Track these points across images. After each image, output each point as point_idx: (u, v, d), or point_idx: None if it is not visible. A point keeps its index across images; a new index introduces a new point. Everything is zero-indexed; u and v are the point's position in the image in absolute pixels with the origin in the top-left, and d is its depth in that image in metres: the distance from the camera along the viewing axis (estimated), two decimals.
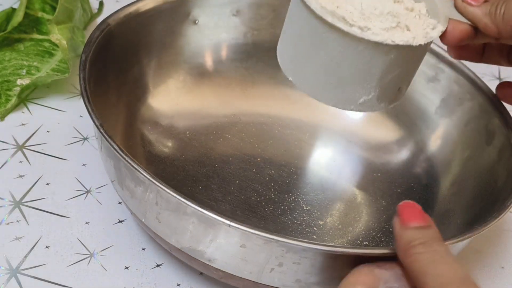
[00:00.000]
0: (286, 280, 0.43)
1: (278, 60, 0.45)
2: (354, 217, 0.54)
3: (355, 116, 0.61)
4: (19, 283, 0.47)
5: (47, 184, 0.54)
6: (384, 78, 0.42)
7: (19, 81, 0.60)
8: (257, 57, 0.62)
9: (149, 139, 0.56)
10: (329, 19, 0.40)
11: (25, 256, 0.49)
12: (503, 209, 0.45)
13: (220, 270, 0.44)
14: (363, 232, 0.53)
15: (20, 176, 0.55)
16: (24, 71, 0.61)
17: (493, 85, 0.73)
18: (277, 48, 0.45)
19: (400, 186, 0.57)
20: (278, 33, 0.45)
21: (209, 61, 0.61)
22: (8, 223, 0.51)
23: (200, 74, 0.61)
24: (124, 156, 0.42)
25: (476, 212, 0.49)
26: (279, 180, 0.56)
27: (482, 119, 0.55)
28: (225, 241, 0.42)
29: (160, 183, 0.41)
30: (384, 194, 0.56)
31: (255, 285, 0.44)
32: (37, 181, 0.55)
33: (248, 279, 0.43)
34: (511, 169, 0.50)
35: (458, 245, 0.44)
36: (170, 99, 0.59)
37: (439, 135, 0.58)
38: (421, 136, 0.59)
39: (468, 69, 0.57)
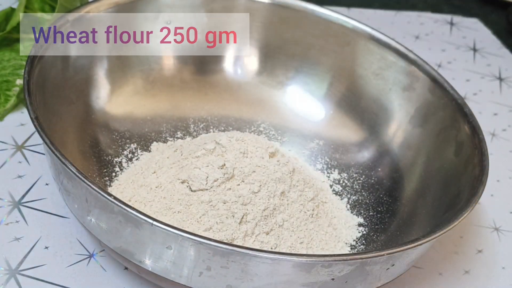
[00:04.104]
0: (216, 286, 0.42)
1: None
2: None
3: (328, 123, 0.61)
4: (18, 284, 0.47)
5: (47, 184, 0.54)
6: None
7: (18, 81, 0.60)
8: (233, 60, 0.62)
9: (106, 141, 0.55)
10: None
11: (24, 257, 0.49)
12: (451, 222, 0.44)
13: (151, 272, 0.43)
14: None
15: (19, 176, 0.55)
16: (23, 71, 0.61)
17: (494, 86, 0.74)
18: None
19: (368, 198, 0.56)
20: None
21: (181, 63, 0.61)
22: (7, 224, 0.51)
23: (172, 76, 0.60)
24: (55, 151, 0.42)
25: (437, 223, 0.48)
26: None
27: (453, 130, 0.54)
28: (151, 242, 0.41)
29: (87, 179, 0.41)
30: (355, 203, 0.55)
31: None
32: (36, 181, 0.54)
33: (179, 283, 0.43)
34: (472, 181, 0.49)
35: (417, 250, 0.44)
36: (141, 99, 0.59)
37: (410, 144, 0.57)
38: (392, 145, 0.58)
39: (443, 78, 0.56)
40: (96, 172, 0.53)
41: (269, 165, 0.49)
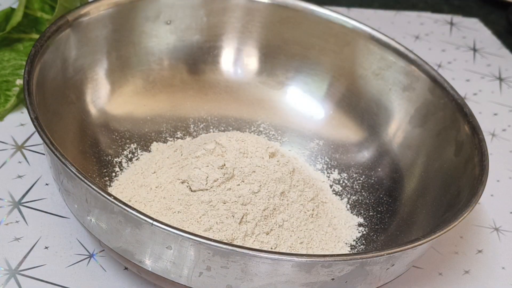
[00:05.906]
0: (216, 286, 0.42)
1: None
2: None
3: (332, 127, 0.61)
4: (18, 284, 0.47)
5: (46, 184, 0.54)
6: None
7: (18, 81, 0.60)
8: (233, 60, 0.62)
9: (106, 141, 0.55)
10: None
11: (24, 257, 0.49)
12: (451, 222, 0.45)
13: (151, 272, 0.43)
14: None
15: (19, 176, 0.55)
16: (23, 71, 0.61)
17: (494, 86, 0.74)
18: None
19: (368, 198, 0.56)
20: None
21: (181, 63, 0.61)
22: (7, 224, 0.51)
23: (172, 77, 0.60)
24: (55, 151, 0.42)
25: (437, 223, 0.49)
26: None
27: (453, 130, 0.54)
28: (151, 242, 0.41)
29: (86, 179, 0.41)
30: (355, 203, 0.55)
31: None
32: (36, 181, 0.54)
33: (179, 283, 0.43)
34: (472, 181, 0.49)
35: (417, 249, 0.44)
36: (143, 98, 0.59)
37: (410, 144, 0.57)
38: (392, 145, 0.58)
39: (443, 78, 0.56)
40: (96, 172, 0.53)
41: (269, 165, 0.49)
